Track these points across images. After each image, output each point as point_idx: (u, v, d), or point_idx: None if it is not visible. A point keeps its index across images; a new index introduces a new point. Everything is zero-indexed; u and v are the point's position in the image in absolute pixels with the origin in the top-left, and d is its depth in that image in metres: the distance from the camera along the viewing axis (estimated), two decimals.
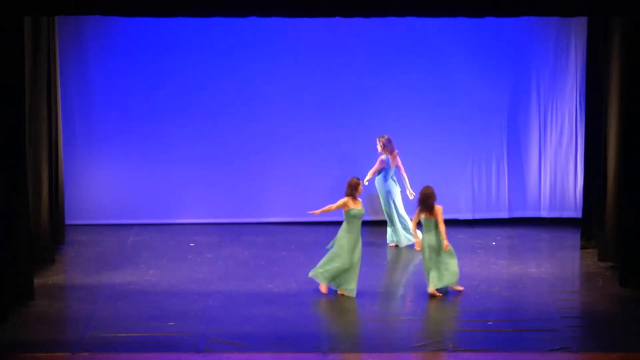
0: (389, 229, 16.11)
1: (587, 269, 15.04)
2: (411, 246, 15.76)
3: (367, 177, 16.00)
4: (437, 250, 13.69)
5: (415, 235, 14.51)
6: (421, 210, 13.86)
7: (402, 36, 16.96)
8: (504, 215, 17.41)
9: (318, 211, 14.01)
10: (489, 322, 12.70)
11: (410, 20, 15.08)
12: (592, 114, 15.52)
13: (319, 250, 15.77)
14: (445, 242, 13.63)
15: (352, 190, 13.79)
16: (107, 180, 17.20)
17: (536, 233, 16.91)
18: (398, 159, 16.03)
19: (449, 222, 15.87)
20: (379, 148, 15.97)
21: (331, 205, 13.88)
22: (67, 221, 16.24)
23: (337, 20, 14.55)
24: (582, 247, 15.86)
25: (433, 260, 13.67)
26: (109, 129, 17.08)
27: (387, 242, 16.13)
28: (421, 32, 16.92)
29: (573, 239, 16.25)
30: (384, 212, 16.13)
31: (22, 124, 13.28)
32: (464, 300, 13.62)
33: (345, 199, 13.76)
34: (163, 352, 11.78)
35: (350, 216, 13.74)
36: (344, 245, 13.69)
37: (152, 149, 17.17)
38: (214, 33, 16.89)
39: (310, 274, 13.85)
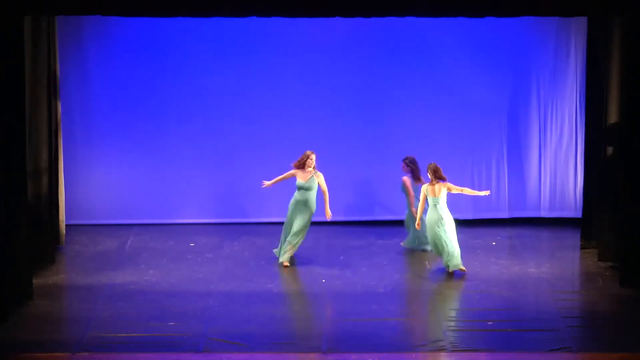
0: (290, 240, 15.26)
1: (587, 269, 15.04)
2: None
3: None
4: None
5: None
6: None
7: (402, 36, 16.97)
8: (504, 215, 17.42)
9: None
10: (489, 322, 12.70)
11: (410, 20, 15.08)
12: (592, 114, 15.52)
13: (319, 250, 15.79)
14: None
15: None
16: (107, 180, 17.20)
17: (536, 233, 16.92)
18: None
19: None
20: (310, 163, 15.12)
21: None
22: (67, 221, 16.24)
23: (337, 20, 14.55)
24: (582, 247, 15.86)
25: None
26: (109, 128, 17.09)
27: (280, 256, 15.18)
28: (421, 32, 16.93)
29: (573, 239, 16.26)
30: (301, 226, 15.11)
31: (22, 124, 13.28)
32: (464, 300, 13.62)
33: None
34: (163, 352, 11.78)
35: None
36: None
37: (152, 149, 17.18)
38: (214, 33, 16.89)
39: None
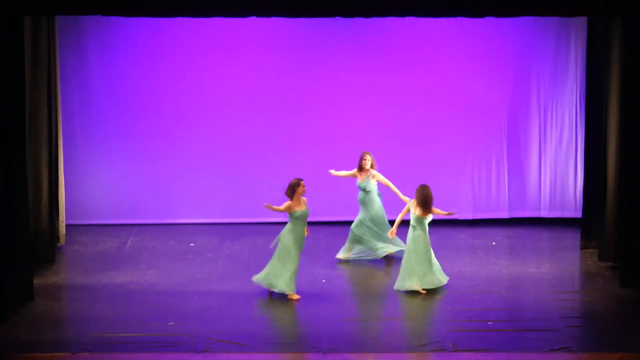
0: None
1: (587, 269, 15.04)
2: None
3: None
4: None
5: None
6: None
7: (402, 36, 16.97)
8: (504, 215, 17.41)
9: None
10: (489, 322, 12.70)
11: (410, 20, 15.08)
12: (592, 114, 15.52)
13: (319, 250, 15.78)
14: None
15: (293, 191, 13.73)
16: (107, 180, 17.20)
17: (536, 233, 16.91)
18: None
19: (449, 222, 15.91)
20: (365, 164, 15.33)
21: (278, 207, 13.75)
22: (67, 221, 16.24)
23: (337, 21, 14.55)
24: (582, 247, 15.86)
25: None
26: (109, 128, 17.09)
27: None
28: (421, 32, 16.93)
29: (573, 239, 16.25)
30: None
31: (22, 124, 13.28)
32: (464, 300, 13.62)
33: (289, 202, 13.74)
34: (163, 352, 11.78)
35: (295, 218, 13.75)
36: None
37: (152, 149, 17.18)
38: (214, 33, 16.89)
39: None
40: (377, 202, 15.32)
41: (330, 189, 16.78)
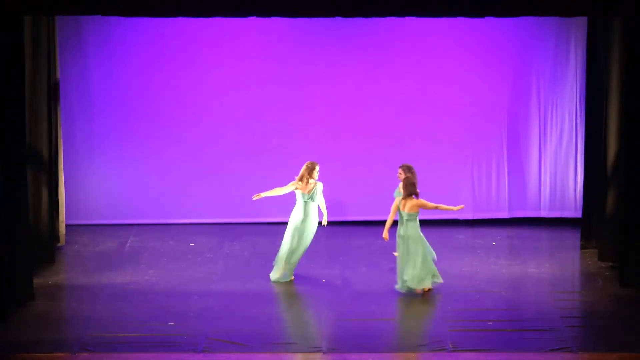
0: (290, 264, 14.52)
1: (587, 269, 15.05)
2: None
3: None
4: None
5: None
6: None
7: (402, 36, 16.97)
8: (504, 215, 17.41)
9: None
10: (489, 322, 12.70)
11: (410, 20, 15.08)
12: (592, 114, 15.52)
13: (319, 250, 15.77)
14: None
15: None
16: (107, 180, 17.21)
17: (536, 233, 16.91)
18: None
19: (449, 222, 15.91)
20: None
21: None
22: (67, 221, 16.25)
23: (337, 21, 14.55)
24: (582, 247, 15.86)
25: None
26: (109, 129, 17.09)
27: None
28: (421, 32, 16.93)
29: (573, 239, 16.25)
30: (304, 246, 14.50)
31: (22, 124, 13.28)
32: (464, 300, 13.62)
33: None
34: (163, 352, 11.78)
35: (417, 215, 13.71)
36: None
37: (152, 149, 17.18)
38: (214, 33, 16.89)
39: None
40: (316, 211, 14.50)
41: (331, 190, 16.77)
